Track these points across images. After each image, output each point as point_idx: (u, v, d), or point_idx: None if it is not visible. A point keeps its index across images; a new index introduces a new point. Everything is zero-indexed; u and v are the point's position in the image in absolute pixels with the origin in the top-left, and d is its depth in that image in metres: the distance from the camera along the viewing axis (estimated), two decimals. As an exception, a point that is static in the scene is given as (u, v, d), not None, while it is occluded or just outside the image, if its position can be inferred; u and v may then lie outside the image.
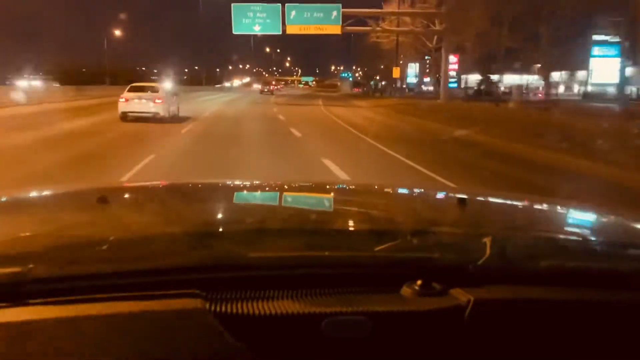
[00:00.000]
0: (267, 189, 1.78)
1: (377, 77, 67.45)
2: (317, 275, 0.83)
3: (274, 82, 79.92)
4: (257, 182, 1.99)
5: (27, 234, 1.03)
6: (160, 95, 16.57)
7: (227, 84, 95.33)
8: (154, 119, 15.76)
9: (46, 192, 1.58)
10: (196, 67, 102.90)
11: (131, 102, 16.08)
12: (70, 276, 0.77)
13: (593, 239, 1.21)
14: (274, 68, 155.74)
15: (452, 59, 34.99)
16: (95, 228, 1.09)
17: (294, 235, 1.06)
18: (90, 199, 1.35)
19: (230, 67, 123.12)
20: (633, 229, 1.33)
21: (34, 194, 1.54)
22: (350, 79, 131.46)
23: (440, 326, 0.77)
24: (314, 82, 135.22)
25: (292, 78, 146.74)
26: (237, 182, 1.97)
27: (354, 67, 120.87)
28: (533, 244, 1.05)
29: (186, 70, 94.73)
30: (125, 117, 15.96)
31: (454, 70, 36.11)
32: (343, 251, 0.93)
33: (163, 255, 0.86)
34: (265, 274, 0.82)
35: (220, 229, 1.16)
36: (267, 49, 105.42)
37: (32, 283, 0.75)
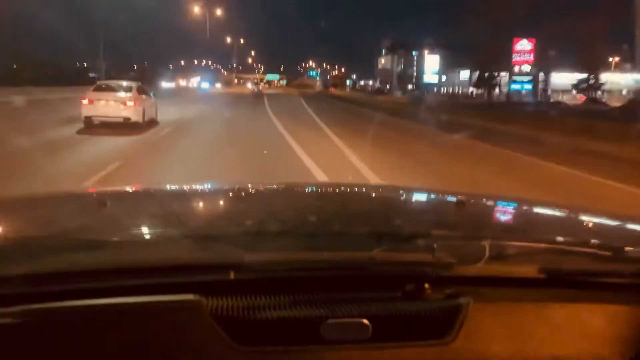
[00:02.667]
0: (265, 191, 1.83)
1: (354, 76, 66.42)
2: (316, 278, 0.87)
3: (236, 81, 77.71)
4: (255, 184, 2.06)
5: (27, 236, 1.07)
6: (133, 95, 14.51)
7: (164, 85, 64.91)
8: (125, 125, 13.78)
9: (46, 196, 1.66)
10: (145, 63, 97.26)
11: (96, 105, 13.99)
12: (69, 278, 0.82)
13: (590, 241, 1.22)
14: (235, 64, 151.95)
15: (526, 44, 21.75)
16: (95, 230, 1.14)
17: (293, 238, 1.09)
18: (90, 202, 1.49)
19: (182, 63, 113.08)
20: (630, 231, 1.40)
21: (33, 197, 1.62)
22: (318, 78, 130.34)
23: (440, 328, 0.82)
24: (280, 81, 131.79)
25: (255, 76, 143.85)
26: (234, 185, 2.04)
27: (324, 65, 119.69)
28: (532, 247, 1.09)
29: (135, 66, 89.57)
30: (89, 122, 13.91)
31: (526, 62, 22.69)
32: (342, 253, 0.96)
33: (162, 257, 0.90)
34: (264, 276, 0.86)
35: (219, 232, 1.16)
36: (229, 39, 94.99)
37: (31, 284, 0.80)
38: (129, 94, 14.49)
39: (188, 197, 1.70)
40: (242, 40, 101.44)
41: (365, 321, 0.81)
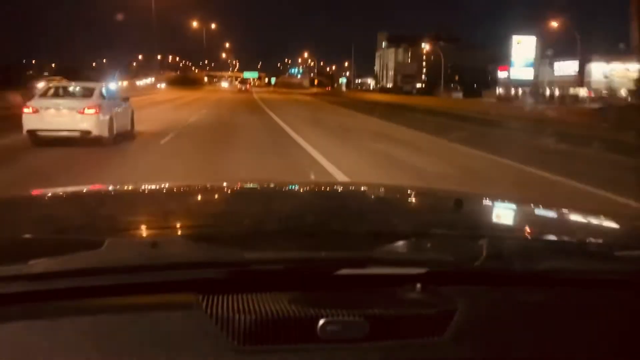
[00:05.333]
0: (264, 189, 1.88)
1: (347, 74, 63.21)
2: (314, 277, 0.92)
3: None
4: (254, 183, 2.13)
5: (26, 234, 1.12)
6: (95, 101, 11.34)
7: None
8: (83, 141, 10.69)
9: (44, 194, 1.70)
10: (104, 60, 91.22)
11: (43, 114, 10.89)
12: (68, 276, 0.86)
13: (589, 240, 1.27)
14: (206, 61, 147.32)
15: None
16: (93, 229, 1.19)
17: (291, 236, 1.13)
18: (89, 200, 1.56)
19: (140, 57, 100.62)
20: (628, 230, 1.45)
21: (32, 195, 1.68)
22: (299, 75, 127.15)
23: (437, 327, 0.86)
24: (262, 79, 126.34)
25: (230, 74, 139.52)
26: (234, 184, 2.10)
27: (309, 62, 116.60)
28: (530, 246, 1.15)
29: (94, 64, 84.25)
30: (35, 138, 10.73)
31: None
32: (340, 252, 1.01)
33: (160, 256, 0.94)
34: (261, 275, 0.91)
35: (218, 231, 1.20)
36: (194, 23, 78.95)
37: (31, 282, 0.84)
38: (88, 100, 11.32)
39: (186, 196, 1.74)
40: (213, 26, 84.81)
41: (362, 320, 0.83)
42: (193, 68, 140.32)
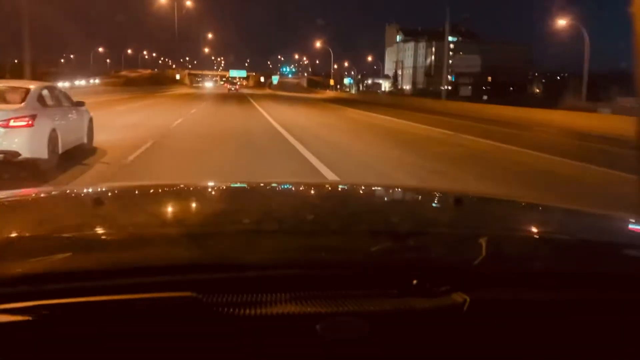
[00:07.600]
0: (262, 189, 1.90)
1: (352, 73, 58.79)
2: (312, 277, 0.94)
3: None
4: (252, 183, 2.18)
5: (25, 234, 1.14)
6: (26, 108, 7.97)
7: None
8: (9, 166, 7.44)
9: (42, 194, 1.70)
10: (72, 56, 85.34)
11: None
12: (65, 276, 0.87)
13: (588, 240, 1.29)
14: (187, 58, 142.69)
15: None
16: (92, 229, 1.21)
17: (290, 237, 1.17)
18: (86, 200, 1.57)
19: (101, 50, 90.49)
20: (628, 230, 1.48)
21: (30, 195, 1.65)
22: (290, 75, 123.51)
23: (436, 326, 0.89)
24: (249, 77, 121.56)
25: (215, 72, 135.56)
26: (232, 184, 2.15)
27: (304, 59, 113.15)
28: (529, 245, 1.18)
29: (63, 58, 78.05)
30: None
31: None
32: (339, 252, 1.05)
33: (158, 256, 0.97)
34: (261, 275, 0.92)
35: (217, 230, 1.23)
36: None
37: (28, 283, 0.86)
38: (18, 107, 7.93)
39: (186, 195, 1.75)
40: (188, 3, 66.66)
41: (362, 320, 0.86)
42: (174, 66, 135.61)
